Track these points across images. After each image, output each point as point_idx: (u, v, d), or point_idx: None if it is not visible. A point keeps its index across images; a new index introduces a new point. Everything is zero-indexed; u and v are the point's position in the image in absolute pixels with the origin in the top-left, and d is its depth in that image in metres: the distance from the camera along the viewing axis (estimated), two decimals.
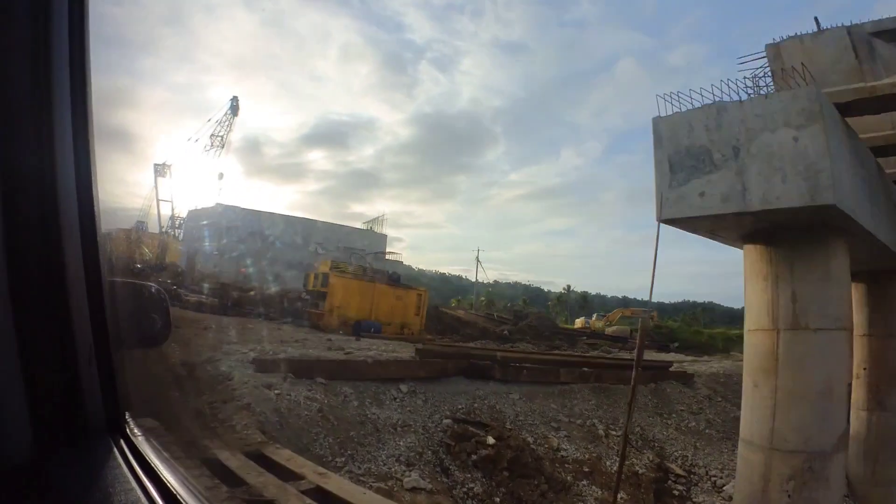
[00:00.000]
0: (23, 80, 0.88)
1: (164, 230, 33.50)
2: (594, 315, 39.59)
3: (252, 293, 21.39)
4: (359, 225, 39.21)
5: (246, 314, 17.89)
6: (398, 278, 20.73)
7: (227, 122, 35.09)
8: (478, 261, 51.83)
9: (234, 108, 35.22)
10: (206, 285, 20.94)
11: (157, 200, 34.05)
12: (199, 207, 34.29)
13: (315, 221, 36.06)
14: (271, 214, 35.56)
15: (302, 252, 31.56)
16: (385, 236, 38.78)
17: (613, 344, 29.56)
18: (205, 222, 31.29)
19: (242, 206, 33.72)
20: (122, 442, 1.09)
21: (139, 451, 1.10)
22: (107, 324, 1.07)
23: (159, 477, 1.02)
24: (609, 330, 34.21)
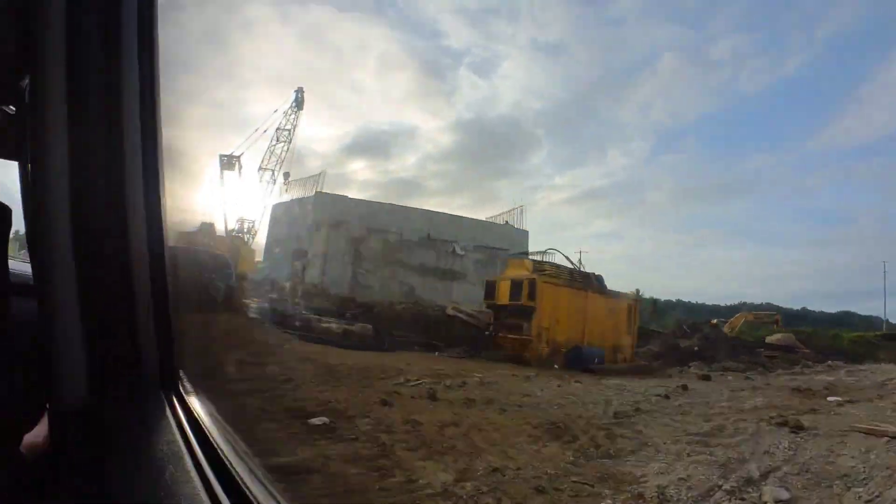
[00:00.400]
0: (97, 90, 0.94)
1: (233, 232, 27.29)
2: (714, 321, 32.71)
3: (402, 313, 15.01)
4: (483, 218, 30.07)
5: (415, 346, 11.42)
6: (603, 282, 13.97)
7: (292, 116, 28.83)
8: (580, 263, 44.45)
9: (300, 101, 28.95)
10: (319, 303, 14.75)
11: (224, 197, 28.31)
12: (289, 199, 27.35)
13: (437, 213, 27.23)
14: (391, 206, 26.50)
15: (430, 252, 23.76)
16: (527, 233, 29.01)
17: (795, 356, 23.26)
18: (300, 218, 24.56)
19: (350, 196, 25.76)
20: (173, 398, 1.13)
21: (190, 408, 1.14)
22: (166, 281, 1.11)
23: (206, 436, 1.04)
24: (772, 338, 27.60)
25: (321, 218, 23.01)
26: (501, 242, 25.39)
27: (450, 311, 15.13)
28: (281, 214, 27.63)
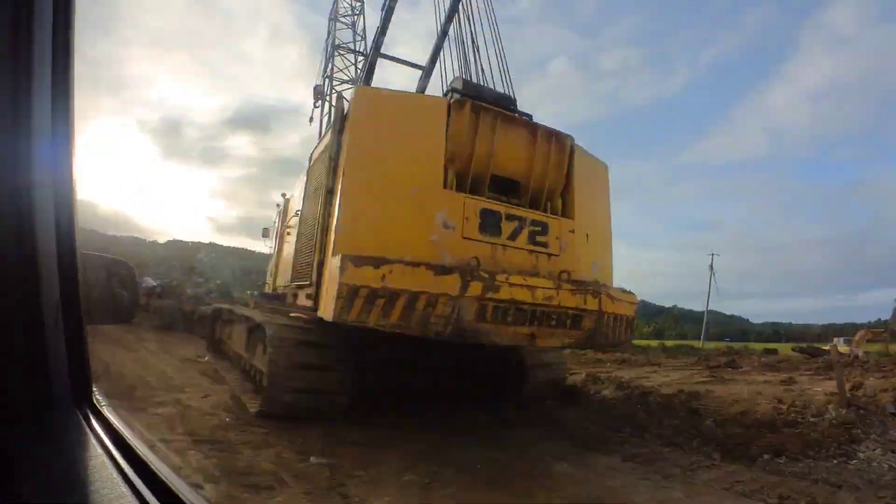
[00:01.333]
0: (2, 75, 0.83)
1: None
2: (841, 339, 27.50)
3: None
4: None
5: None
6: None
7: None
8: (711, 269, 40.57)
9: None
10: None
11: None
12: None
13: None
14: None
15: None
16: None
17: None
18: None
19: None
20: (88, 413, 1.06)
21: (107, 421, 1.08)
22: (77, 293, 1.02)
23: (129, 446, 0.99)
24: None
25: None
26: None
27: None
28: None
